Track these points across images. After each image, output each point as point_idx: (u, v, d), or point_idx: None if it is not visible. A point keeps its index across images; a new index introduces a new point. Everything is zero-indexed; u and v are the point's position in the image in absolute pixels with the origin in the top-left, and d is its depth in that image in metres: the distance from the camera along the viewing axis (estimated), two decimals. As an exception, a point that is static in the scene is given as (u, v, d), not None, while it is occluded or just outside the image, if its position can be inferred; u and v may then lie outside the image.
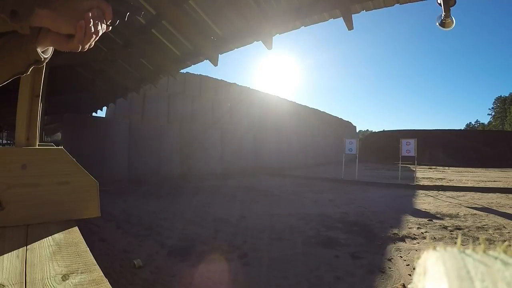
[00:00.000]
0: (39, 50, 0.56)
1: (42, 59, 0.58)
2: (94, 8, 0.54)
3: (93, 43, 0.57)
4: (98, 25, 0.54)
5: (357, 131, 37.88)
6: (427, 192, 8.33)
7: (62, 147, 1.19)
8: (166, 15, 3.27)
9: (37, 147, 1.21)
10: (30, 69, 0.59)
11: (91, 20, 0.53)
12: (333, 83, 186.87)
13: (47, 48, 0.59)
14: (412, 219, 5.00)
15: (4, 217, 1.00)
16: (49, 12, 0.51)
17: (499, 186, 9.03)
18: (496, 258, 0.16)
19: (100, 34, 0.56)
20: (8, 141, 22.35)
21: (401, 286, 2.56)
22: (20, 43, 0.55)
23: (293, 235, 4.05)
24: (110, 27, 0.59)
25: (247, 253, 3.31)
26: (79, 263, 0.77)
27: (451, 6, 2.03)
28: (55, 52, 0.62)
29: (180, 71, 5.14)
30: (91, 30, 0.53)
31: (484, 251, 0.17)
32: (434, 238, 3.96)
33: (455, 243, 0.19)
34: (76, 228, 1.03)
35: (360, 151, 13.47)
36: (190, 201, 6.47)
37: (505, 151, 25.13)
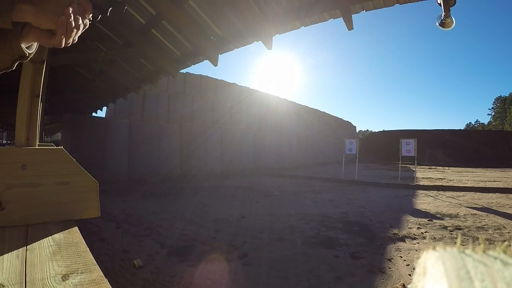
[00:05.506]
0: (23, 45, 0.57)
1: (27, 55, 0.59)
2: (75, 3, 0.55)
3: (76, 38, 0.58)
4: (79, 19, 0.55)
5: (357, 131, 37.90)
6: (427, 192, 8.33)
7: (62, 147, 1.19)
8: (166, 15, 3.27)
9: (37, 147, 1.21)
10: (15, 65, 0.61)
11: (72, 14, 0.54)
12: (333, 83, 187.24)
13: (32, 44, 0.60)
14: (412, 219, 5.00)
15: (4, 217, 1.00)
16: (30, 7, 0.52)
17: (499, 186, 9.03)
18: (496, 258, 0.16)
19: (82, 29, 0.57)
20: (8, 141, 22.35)
21: (401, 286, 2.56)
22: (5, 39, 0.56)
23: (293, 235, 4.05)
24: (93, 21, 0.61)
25: (247, 253, 3.31)
26: (79, 263, 0.77)
27: (451, 6, 2.03)
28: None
29: (180, 71, 5.14)
30: (72, 25, 0.54)
31: (484, 251, 0.17)
32: (434, 238, 3.96)
33: (455, 243, 0.19)
34: (76, 228, 1.03)
35: (360, 151, 13.47)
36: (190, 201, 6.46)
37: (505, 151, 25.14)
